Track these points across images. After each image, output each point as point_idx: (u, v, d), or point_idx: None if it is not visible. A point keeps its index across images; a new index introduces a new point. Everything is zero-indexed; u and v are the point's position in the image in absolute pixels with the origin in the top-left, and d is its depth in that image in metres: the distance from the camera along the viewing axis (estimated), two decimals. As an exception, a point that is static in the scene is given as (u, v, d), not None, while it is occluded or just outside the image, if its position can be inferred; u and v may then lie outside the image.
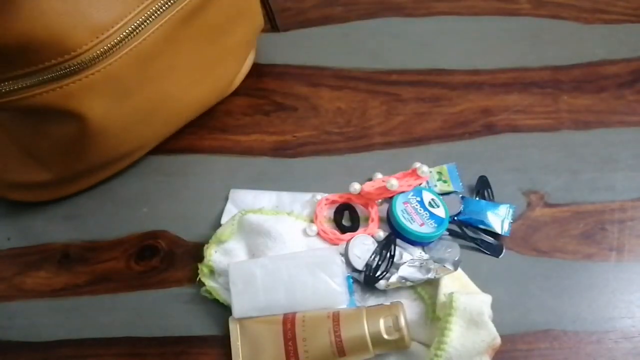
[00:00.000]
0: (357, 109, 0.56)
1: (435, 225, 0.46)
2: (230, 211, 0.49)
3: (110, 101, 0.42)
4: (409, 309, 0.43)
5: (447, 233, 0.47)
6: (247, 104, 0.56)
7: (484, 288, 0.44)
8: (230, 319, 0.43)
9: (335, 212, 0.49)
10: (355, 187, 0.48)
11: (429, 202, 0.47)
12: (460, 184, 0.50)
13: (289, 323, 0.41)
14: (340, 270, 0.43)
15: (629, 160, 0.52)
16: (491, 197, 0.49)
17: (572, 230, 0.48)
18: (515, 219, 0.48)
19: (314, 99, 0.56)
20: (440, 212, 0.46)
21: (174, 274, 0.47)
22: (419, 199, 0.47)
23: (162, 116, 0.48)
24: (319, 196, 0.49)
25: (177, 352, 0.44)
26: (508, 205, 0.48)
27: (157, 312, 0.46)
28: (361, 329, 0.39)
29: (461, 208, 0.48)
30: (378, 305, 0.42)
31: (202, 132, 0.55)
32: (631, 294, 0.46)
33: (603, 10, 0.61)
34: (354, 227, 0.48)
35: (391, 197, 0.47)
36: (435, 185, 0.50)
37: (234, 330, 0.43)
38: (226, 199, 0.50)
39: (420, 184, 0.48)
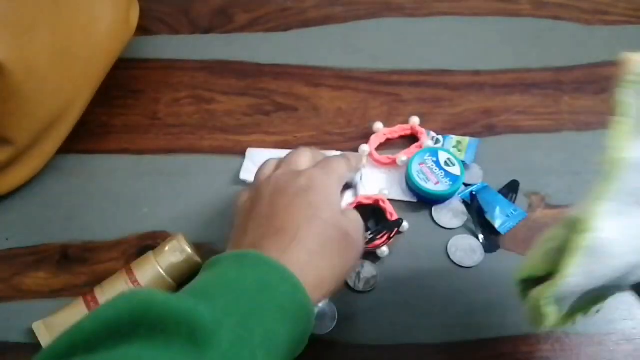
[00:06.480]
0: (358, 110, 0.55)
1: (450, 183, 0.48)
2: (248, 168, 0.51)
3: (17, 38, 0.42)
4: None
5: (462, 200, 0.49)
6: (248, 104, 0.56)
7: (485, 289, 0.44)
8: (34, 324, 0.43)
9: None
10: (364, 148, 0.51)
11: (445, 162, 0.49)
12: (473, 158, 0.51)
13: (89, 298, 0.43)
14: None
15: (630, 162, 0.52)
16: (512, 201, 0.49)
17: (573, 232, 0.48)
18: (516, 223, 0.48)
19: (314, 99, 0.56)
20: (455, 170, 0.48)
21: (174, 275, 0.47)
22: (434, 159, 0.49)
23: (78, 54, 0.47)
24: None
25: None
26: (520, 210, 0.48)
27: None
28: (154, 268, 0.43)
29: (480, 180, 0.50)
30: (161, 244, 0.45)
31: (202, 132, 0.54)
32: (632, 296, 0.45)
33: (604, 11, 0.61)
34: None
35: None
36: (449, 150, 0.51)
37: (41, 332, 0.43)
38: (227, 198, 0.50)
39: (414, 135, 0.52)
